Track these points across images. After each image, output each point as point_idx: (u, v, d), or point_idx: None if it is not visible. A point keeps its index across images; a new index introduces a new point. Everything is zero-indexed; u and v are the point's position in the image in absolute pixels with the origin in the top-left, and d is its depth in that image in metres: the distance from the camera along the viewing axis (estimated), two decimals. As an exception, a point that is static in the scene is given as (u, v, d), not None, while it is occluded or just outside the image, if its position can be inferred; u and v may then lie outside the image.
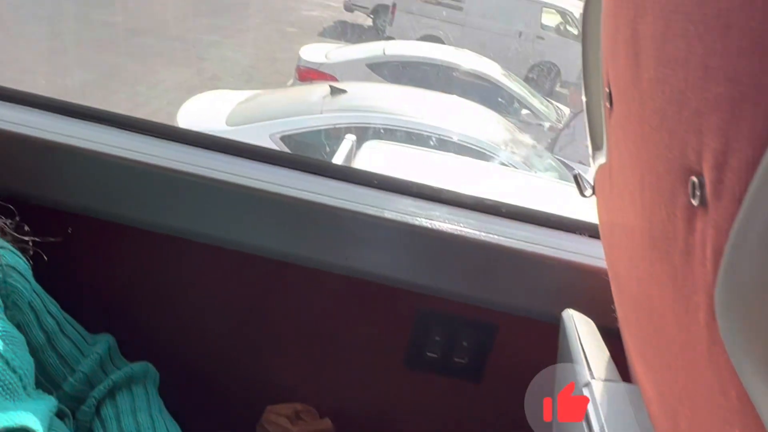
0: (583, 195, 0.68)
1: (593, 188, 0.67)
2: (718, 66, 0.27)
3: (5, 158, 0.85)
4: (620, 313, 0.62)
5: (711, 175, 0.29)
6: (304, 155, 0.92)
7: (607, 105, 0.49)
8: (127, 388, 0.78)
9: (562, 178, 5.17)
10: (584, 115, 0.66)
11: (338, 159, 2.96)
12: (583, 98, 0.66)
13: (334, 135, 4.54)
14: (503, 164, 4.53)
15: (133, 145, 0.87)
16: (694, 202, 0.31)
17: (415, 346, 0.92)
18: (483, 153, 4.53)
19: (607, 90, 0.48)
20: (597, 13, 0.54)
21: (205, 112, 5.08)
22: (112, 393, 0.77)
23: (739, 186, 0.25)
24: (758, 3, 0.24)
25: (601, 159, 0.59)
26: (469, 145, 4.58)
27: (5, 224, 0.70)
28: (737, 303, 0.27)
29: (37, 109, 0.91)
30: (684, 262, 0.33)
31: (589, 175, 0.67)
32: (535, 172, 4.92)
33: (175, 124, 4.59)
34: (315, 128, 4.68)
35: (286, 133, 4.59)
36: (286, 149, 4.53)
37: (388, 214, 0.84)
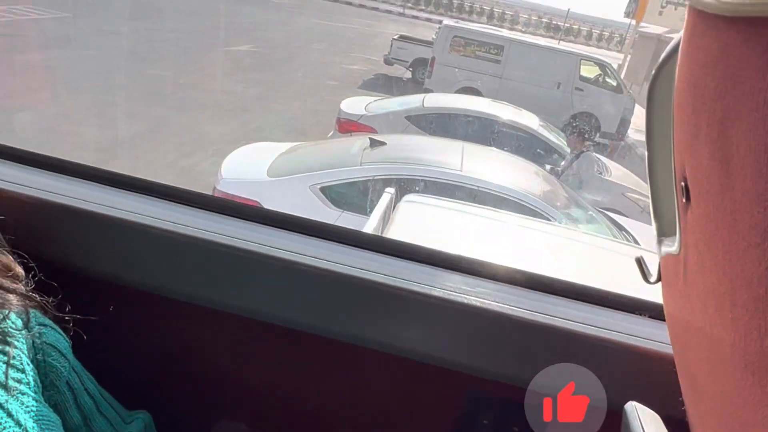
0: (647, 281, 0.64)
1: (659, 274, 0.62)
2: None
3: (47, 228, 0.85)
4: (694, 415, 0.56)
5: None
6: (347, 228, 0.89)
7: (683, 199, 0.45)
8: (162, 470, 0.76)
9: (603, 230, 5.05)
10: (649, 195, 0.62)
11: (376, 213, 2.95)
12: (648, 178, 0.62)
13: (374, 187, 4.57)
14: (543, 216, 4.46)
15: (176, 216, 0.86)
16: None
17: (463, 430, 0.87)
18: (522, 205, 4.48)
19: (683, 184, 0.44)
20: (665, 92, 0.50)
21: (247, 163, 5.18)
22: (146, 476, 0.74)
23: None
24: None
25: (671, 248, 0.55)
26: (508, 197, 4.54)
27: (46, 302, 0.69)
28: None
29: (80, 179, 0.92)
30: (796, 402, 0.29)
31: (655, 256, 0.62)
32: (577, 225, 4.83)
33: (219, 175, 4.69)
34: (354, 180, 4.72)
35: (326, 185, 4.64)
36: (325, 200, 4.57)
37: (436, 292, 0.80)
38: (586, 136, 6.35)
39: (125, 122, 7.68)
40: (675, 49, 0.44)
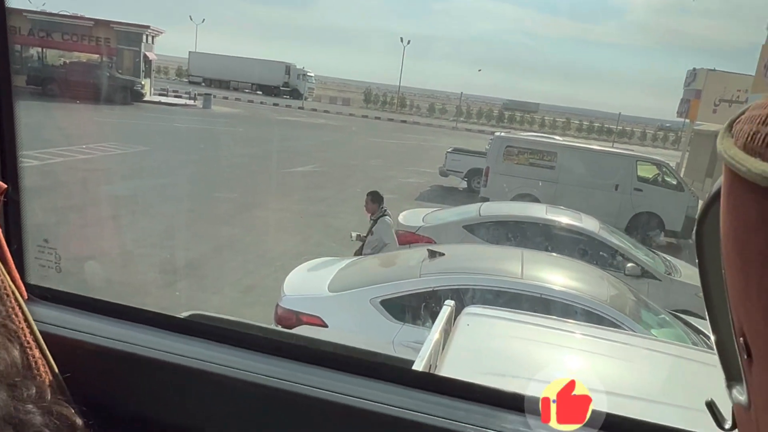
0: (721, 427, 0.60)
1: (733, 420, 0.58)
2: None
3: (109, 374, 0.88)
4: None
5: None
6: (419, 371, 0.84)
7: (744, 355, 0.43)
8: None
9: (678, 335, 4.75)
10: (712, 338, 0.60)
11: (437, 326, 2.93)
12: (708, 319, 0.60)
13: (434, 298, 4.54)
14: (612, 322, 4.27)
15: (236, 362, 0.86)
16: None
17: None
18: (588, 311, 4.32)
19: (742, 340, 0.43)
20: (713, 238, 0.48)
21: (308, 279, 5.28)
22: None
23: None
24: None
25: (741, 399, 0.52)
26: (572, 303, 4.40)
27: None
28: None
29: (139, 324, 0.94)
30: None
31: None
32: (650, 331, 4.58)
33: (282, 292, 4.79)
34: (414, 292, 4.71)
35: (386, 298, 4.65)
36: (386, 313, 4.56)
37: None
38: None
39: (193, 243, 8.08)
40: (717, 195, 0.42)
